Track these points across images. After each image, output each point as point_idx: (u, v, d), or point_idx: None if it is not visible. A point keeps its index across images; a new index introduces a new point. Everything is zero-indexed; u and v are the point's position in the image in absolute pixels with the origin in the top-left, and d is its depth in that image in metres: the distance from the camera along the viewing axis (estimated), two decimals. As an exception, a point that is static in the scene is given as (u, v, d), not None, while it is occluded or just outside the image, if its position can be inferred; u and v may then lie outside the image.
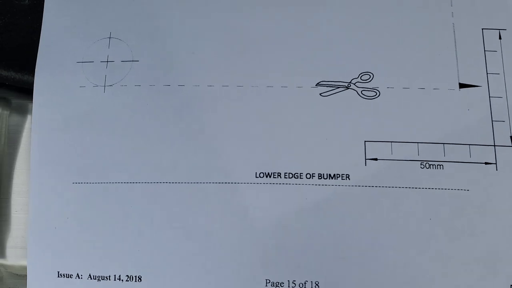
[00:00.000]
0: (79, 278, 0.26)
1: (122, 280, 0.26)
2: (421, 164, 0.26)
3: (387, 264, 0.26)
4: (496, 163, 0.26)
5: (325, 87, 0.28)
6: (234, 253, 0.26)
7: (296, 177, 0.27)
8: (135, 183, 0.27)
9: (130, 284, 0.26)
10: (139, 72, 0.28)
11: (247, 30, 0.29)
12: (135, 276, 0.26)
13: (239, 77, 0.28)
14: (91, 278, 0.26)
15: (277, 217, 0.26)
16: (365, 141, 0.27)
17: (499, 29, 0.29)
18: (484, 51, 0.28)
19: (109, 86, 0.28)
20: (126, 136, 0.27)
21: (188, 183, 0.27)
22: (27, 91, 0.29)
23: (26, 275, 0.26)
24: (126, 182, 0.27)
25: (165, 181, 0.27)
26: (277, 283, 0.25)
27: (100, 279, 0.26)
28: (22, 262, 0.27)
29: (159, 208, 0.27)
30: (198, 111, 0.28)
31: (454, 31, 0.29)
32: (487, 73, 0.28)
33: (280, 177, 0.27)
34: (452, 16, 0.29)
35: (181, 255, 0.26)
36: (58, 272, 0.26)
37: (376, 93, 0.28)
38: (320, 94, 0.28)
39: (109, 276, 0.26)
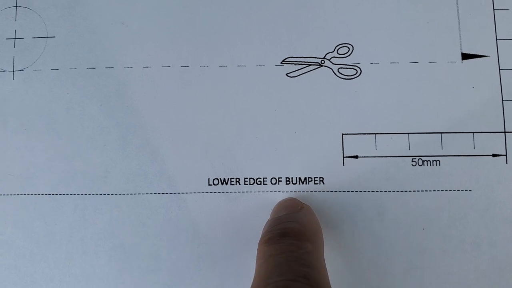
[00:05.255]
0: None
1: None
2: (412, 161, 0.23)
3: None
4: (506, 155, 0.23)
5: (293, 65, 0.23)
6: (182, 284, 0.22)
7: (259, 183, 0.23)
8: (58, 195, 0.23)
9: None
10: (56, 52, 0.24)
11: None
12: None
13: (183, 54, 0.24)
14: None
15: (234, 234, 0.22)
16: (342, 134, 0.23)
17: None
18: (493, 10, 0.23)
19: (18, 71, 0.24)
20: (43, 136, 0.23)
21: (123, 194, 0.23)
22: None
23: None
24: (48, 193, 0.23)
25: (94, 193, 0.23)
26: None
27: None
28: None
29: (88, 225, 0.23)
30: (132, 101, 0.23)
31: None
32: (496, 39, 0.23)
33: (239, 184, 0.23)
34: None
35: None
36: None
37: (357, 71, 0.23)
38: (286, 74, 0.23)
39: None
